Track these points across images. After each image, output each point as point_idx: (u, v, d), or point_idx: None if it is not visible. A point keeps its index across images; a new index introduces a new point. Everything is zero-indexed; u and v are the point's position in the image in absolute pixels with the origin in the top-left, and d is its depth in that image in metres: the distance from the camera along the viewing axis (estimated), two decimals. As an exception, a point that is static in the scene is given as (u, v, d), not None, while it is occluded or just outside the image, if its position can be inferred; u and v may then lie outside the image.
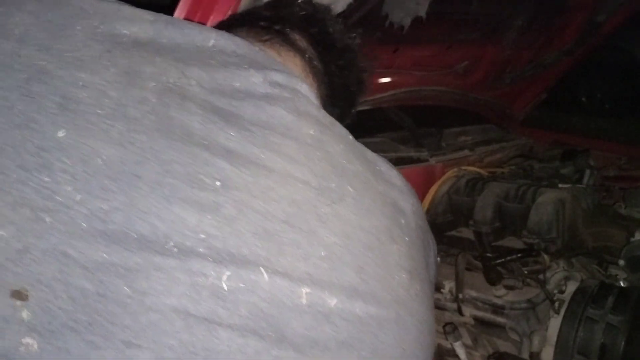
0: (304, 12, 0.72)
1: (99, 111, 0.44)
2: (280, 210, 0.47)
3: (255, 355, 0.42)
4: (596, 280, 1.41)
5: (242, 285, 0.43)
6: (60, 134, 0.43)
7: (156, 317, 0.41)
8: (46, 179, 0.41)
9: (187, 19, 0.84)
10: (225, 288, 0.43)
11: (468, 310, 1.47)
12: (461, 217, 1.75)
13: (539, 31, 1.94)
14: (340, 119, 0.66)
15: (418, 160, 1.89)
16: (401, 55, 1.72)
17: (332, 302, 0.47)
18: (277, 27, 0.68)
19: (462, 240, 1.71)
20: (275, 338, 0.43)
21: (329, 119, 0.57)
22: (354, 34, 0.75)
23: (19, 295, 0.39)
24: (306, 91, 0.57)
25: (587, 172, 1.93)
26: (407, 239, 0.57)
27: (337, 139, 0.56)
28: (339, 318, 0.47)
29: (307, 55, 0.68)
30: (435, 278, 0.80)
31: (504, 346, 1.44)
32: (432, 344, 0.59)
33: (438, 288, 1.53)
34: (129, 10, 0.52)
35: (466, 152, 2.04)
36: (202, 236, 0.43)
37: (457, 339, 1.38)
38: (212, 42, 0.54)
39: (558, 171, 1.99)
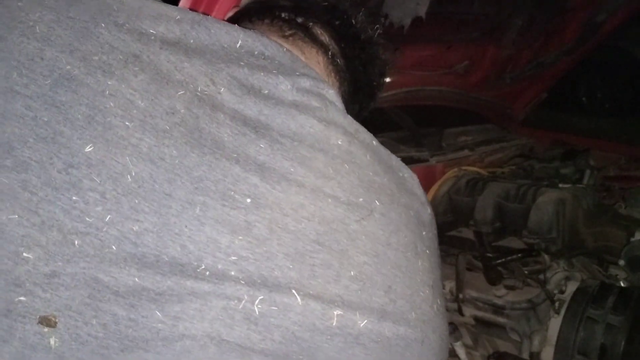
0: (325, 3, 0.68)
1: (128, 124, 0.42)
2: (312, 229, 0.46)
3: None
4: (596, 280, 1.41)
5: (274, 309, 0.43)
6: (88, 149, 0.40)
7: (189, 343, 0.40)
8: (75, 198, 0.39)
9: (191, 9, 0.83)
10: (257, 312, 0.42)
11: (468, 310, 1.47)
12: (461, 217, 1.75)
13: (539, 31, 1.94)
14: (359, 114, 0.65)
15: (418, 160, 1.90)
16: (401, 55, 1.72)
17: (362, 323, 0.46)
18: (299, 20, 0.64)
19: (463, 240, 1.71)
20: None
21: (354, 126, 0.56)
22: (377, 25, 0.71)
23: (47, 321, 0.38)
24: (332, 97, 0.56)
25: (587, 172, 1.93)
26: (428, 252, 0.56)
27: (364, 148, 0.55)
28: (369, 339, 0.46)
29: (330, 53, 0.65)
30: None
31: (504, 346, 1.44)
32: (447, 354, 0.59)
33: (438, 288, 1.53)
34: (154, 5, 0.49)
35: (466, 152, 2.04)
36: (234, 258, 0.42)
37: (457, 339, 1.38)
38: (239, 43, 0.52)
39: (558, 171, 1.99)
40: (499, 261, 1.45)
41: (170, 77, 0.45)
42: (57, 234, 0.38)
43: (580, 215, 1.57)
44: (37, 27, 0.43)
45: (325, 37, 0.66)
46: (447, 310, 1.54)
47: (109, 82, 0.43)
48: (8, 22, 0.42)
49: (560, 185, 1.68)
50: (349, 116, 0.56)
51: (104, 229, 0.39)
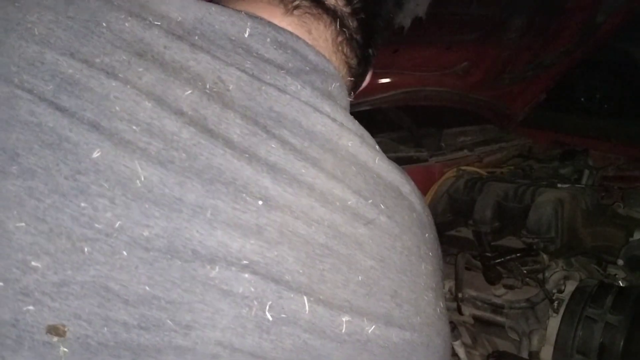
0: None
1: (135, 127, 0.41)
2: (321, 233, 0.45)
3: None
4: (595, 280, 1.41)
5: (284, 316, 0.42)
6: (96, 154, 0.39)
7: (201, 352, 0.39)
8: (83, 204, 0.38)
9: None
10: (269, 320, 0.41)
11: (467, 310, 1.47)
12: (460, 217, 1.75)
13: (539, 31, 1.94)
14: (357, 83, 0.63)
15: (418, 160, 1.90)
16: (401, 56, 1.72)
17: (370, 329, 0.46)
18: None
19: (462, 240, 1.72)
20: None
21: (361, 130, 0.55)
22: None
23: (56, 330, 0.36)
24: (339, 92, 0.55)
25: (586, 172, 1.93)
26: (430, 254, 0.56)
27: (372, 152, 0.54)
28: (376, 345, 0.46)
29: (338, 22, 0.60)
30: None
31: (504, 345, 1.45)
32: (450, 356, 0.58)
33: (438, 287, 1.53)
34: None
35: (466, 152, 2.04)
36: (245, 262, 0.41)
37: (456, 338, 1.38)
38: (247, 32, 0.50)
39: (557, 171, 1.99)
40: (498, 261, 1.45)
41: (176, 76, 0.44)
42: (66, 241, 0.38)
43: (579, 215, 1.58)
44: (36, 29, 0.42)
45: (338, 3, 0.60)
46: (447, 309, 1.54)
47: (114, 84, 0.42)
48: (5, 25, 0.41)
49: (559, 185, 1.69)
50: (356, 121, 0.55)
51: (114, 235, 0.38)
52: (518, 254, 1.47)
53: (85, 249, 0.38)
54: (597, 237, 1.57)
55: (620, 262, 1.47)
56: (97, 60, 0.42)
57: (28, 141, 0.39)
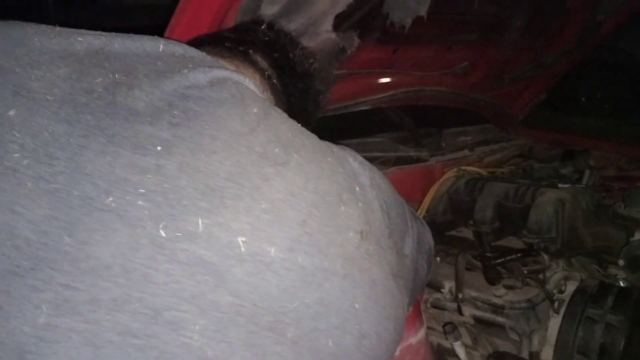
0: (267, 38, 0.79)
1: (49, 97, 0.50)
2: (223, 170, 0.50)
3: (191, 298, 0.45)
4: (596, 280, 1.41)
5: (179, 234, 0.46)
6: (11, 113, 0.48)
7: (94, 263, 0.44)
8: None
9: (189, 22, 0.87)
10: (164, 235, 0.46)
11: (468, 310, 1.47)
12: (461, 217, 1.75)
13: (539, 31, 1.94)
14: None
15: (418, 160, 1.90)
16: (401, 56, 1.72)
17: (272, 250, 0.49)
18: (240, 49, 0.74)
19: (462, 240, 1.72)
20: (214, 283, 0.46)
21: (273, 107, 0.60)
22: (312, 60, 0.83)
23: None
24: (252, 86, 0.61)
25: (587, 172, 1.93)
26: (360, 204, 0.59)
27: (282, 118, 0.59)
28: (281, 267, 0.49)
29: (267, 74, 0.73)
30: (430, 255, 0.84)
31: (504, 346, 1.44)
32: (395, 312, 0.60)
33: (438, 288, 1.53)
34: (81, 30, 0.59)
35: (466, 152, 2.04)
36: (142, 191, 0.47)
37: (457, 338, 1.38)
38: (161, 47, 0.59)
39: (558, 171, 1.99)
40: (499, 261, 1.45)
41: (91, 70, 0.53)
42: None
43: (580, 215, 1.58)
44: None
45: (263, 64, 0.74)
46: (447, 309, 1.55)
47: (36, 72, 0.52)
48: None
49: (560, 185, 1.68)
50: (266, 101, 0.62)
51: (21, 171, 0.46)
52: (518, 254, 1.47)
53: None
54: (598, 238, 1.57)
55: (621, 262, 1.47)
56: (26, 57, 0.53)
57: None
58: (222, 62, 0.66)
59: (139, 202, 0.46)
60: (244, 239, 0.48)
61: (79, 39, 0.57)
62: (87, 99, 0.51)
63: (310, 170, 0.55)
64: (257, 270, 0.48)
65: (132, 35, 0.60)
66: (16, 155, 0.46)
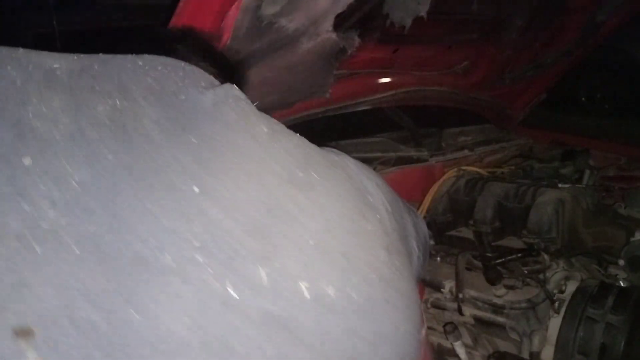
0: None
1: (57, 137, 0.44)
2: (259, 202, 0.48)
3: (275, 357, 0.43)
4: (596, 280, 1.41)
5: (248, 291, 0.43)
6: (27, 162, 0.42)
7: (172, 342, 0.39)
8: (26, 206, 0.39)
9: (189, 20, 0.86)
10: (235, 296, 0.42)
11: (468, 310, 1.47)
12: (461, 217, 1.75)
13: (539, 31, 1.94)
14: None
15: (418, 160, 1.90)
16: (401, 56, 1.72)
17: (331, 291, 0.47)
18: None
19: (462, 240, 1.71)
20: (290, 341, 0.44)
21: (273, 120, 0.59)
22: None
23: (23, 334, 0.36)
24: (244, 97, 0.59)
25: (587, 172, 1.93)
26: (378, 216, 0.58)
27: (287, 134, 0.58)
28: (340, 306, 0.48)
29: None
30: (426, 246, 0.83)
31: (504, 346, 1.44)
32: (419, 318, 0.60)
33: (438, 288, 1.53)
34: (46, 52, 0.52)
35: (466, 152, 2.04)
36: (197, 245, 0.42)
37: (457, 338, 1.38)
38: (140, 62, 0.54)
39: (558, 171, 1.99)
40: (499, 261, 1.45)
41: (85, 99, 0.48)
42: (15, 242, 0.38)
43: (580, 215, 1.58)
44: None
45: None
46: (447, 309, 1.55)
47: (29, 108, 0.45)
48: None
49: (560, 185, 1.68)
50: (264, 114, 0.60)
51: (62, 233, 0.39)
52: (519, 254, 1.46)
53: (37, 249, 0.38)
54: (598, 237, 1.57)
55: (621, 262, 1.47)
56: (9, 91, 0.46)
57: None
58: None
59: (198, 258, 0.42)
60: (306, 285, 0.46)
61: (55, 65, 0.50)
62: (97, 133, 0.45)
63: (331, 189, 0.54)
64: (324, 317, 0.46)
65: (102, 54, 0.54)
66: (51, 212, 0.40)
